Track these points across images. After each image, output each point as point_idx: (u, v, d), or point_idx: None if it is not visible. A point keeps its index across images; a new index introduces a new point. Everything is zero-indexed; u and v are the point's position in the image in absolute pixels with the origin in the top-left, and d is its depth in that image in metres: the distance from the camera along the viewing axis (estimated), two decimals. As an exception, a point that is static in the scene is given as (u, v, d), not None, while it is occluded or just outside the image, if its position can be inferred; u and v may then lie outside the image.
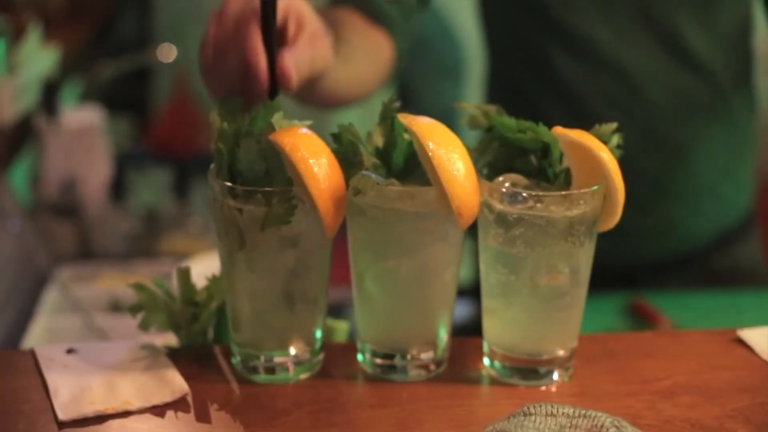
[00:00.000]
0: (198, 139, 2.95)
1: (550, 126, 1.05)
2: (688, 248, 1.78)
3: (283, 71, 1.08)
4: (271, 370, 1.06)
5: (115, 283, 1.95)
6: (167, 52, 3.01)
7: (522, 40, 1.72)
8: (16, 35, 2.22)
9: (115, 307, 1.89)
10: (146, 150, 3.00)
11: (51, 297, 1.86)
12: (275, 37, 1.08)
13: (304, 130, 1.01)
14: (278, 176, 1.01)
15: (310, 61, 1.13)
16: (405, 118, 1.03)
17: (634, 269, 1.79)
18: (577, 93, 1.68)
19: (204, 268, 1.23)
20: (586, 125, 1.05)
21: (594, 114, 1.53)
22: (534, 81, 1.72)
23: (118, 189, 2.26)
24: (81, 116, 2.34)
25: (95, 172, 2.26)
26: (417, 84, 3.51)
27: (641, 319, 1.71)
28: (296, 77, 1.09)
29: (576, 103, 1.68)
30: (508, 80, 1.78)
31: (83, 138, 2.27)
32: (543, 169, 1.06)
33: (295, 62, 1.09)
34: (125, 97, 3.15)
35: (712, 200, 1.76)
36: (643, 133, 1.68)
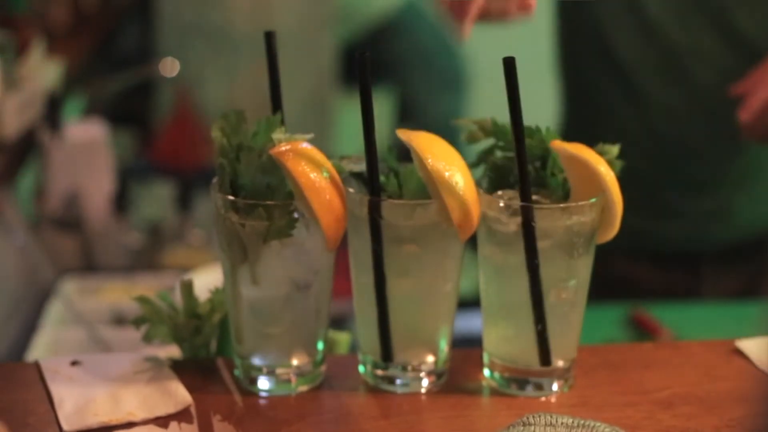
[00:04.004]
0: (200, 153, 2.96)
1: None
2: (746, 235, 1.81)
3: None
4: (273, 381, 1.07)
5: (119, 295, 1.96)
6: (170, 67, 3.02)
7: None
8: (20, 50, 2.23)
9: (119, 319, 1.90)
10: (149, 163, 3.01)
11: (55, 309, 1.87)
12: None
13: (305, 144, 1.02)
14: (280, 190, 1.02)
15: None
16: (403, 134, 1.04)
17: (696, 253, 1.81)
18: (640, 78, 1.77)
19: (207, 280, 1.24)
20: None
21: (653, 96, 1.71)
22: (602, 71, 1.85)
23: (121, 202, 2.27)
24: (84, 130, 2.35)
25: (98, 186, 2.27)
26: (418, 97, 3.53)
27: (642, 330, 1.72)
28: None
29: (639, 88, 1.78)
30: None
31: (86, 152, 2.27)
32: (541, 180, 1.07)
33: None
34: (128, 111, 3.15)
35: None
36: (704, 116, 1.73)
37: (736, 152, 1.76)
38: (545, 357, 1.07)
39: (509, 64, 1.01)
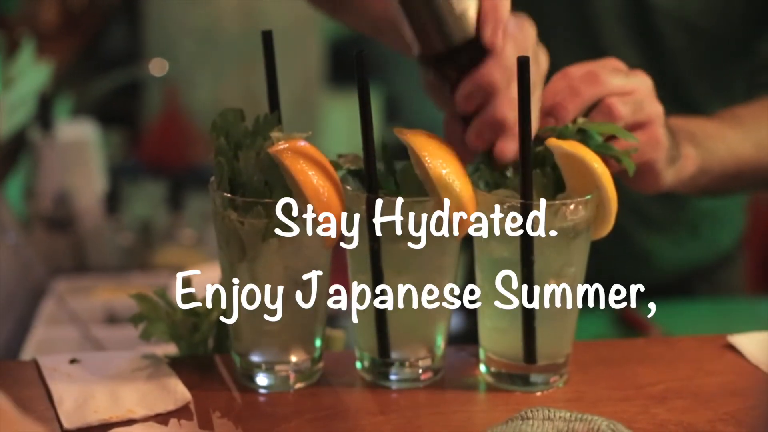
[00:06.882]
0: (189, 152, 2.96)
1: None
2: (666, 276, 1.79)
3: None
4: (271, 378, 1.08)
5: (111, 295, 1.96)
6: (158, 66, 3.03)
7: None
8: (10, 50, 2.24)
9: (111, 318, 1.90)
10: (139, 163, 3.02)
11: (48, 309, 1.88)
12: None
13: (303, 142, 1.03)
14: (278, 188, 1.03)
15: None
16: (400, 132, 1.05)
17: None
18: None
19: (204, 278, 1.24)
20: None
21: None
22: None
23: (112, 202, 2.27)
24: (75, 130, 2.36)
25: (89, 186, 2.27)
26: (404, 96, 3.54)
27: (631, 328, 1.73)
28: None
29: None
30: None
31: (77, 151, 2.28)
32: (536, 176, 1.07)
33: None
34: (117, 111, 3.16)
35: (692, 237, 1.77)
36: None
37: (660, 200, 1.72)
38: (531, 354, 1.07)
39: (523, 64, 1.01)
